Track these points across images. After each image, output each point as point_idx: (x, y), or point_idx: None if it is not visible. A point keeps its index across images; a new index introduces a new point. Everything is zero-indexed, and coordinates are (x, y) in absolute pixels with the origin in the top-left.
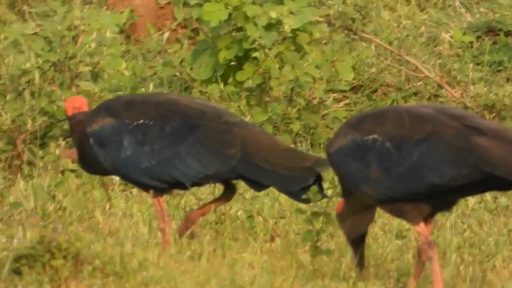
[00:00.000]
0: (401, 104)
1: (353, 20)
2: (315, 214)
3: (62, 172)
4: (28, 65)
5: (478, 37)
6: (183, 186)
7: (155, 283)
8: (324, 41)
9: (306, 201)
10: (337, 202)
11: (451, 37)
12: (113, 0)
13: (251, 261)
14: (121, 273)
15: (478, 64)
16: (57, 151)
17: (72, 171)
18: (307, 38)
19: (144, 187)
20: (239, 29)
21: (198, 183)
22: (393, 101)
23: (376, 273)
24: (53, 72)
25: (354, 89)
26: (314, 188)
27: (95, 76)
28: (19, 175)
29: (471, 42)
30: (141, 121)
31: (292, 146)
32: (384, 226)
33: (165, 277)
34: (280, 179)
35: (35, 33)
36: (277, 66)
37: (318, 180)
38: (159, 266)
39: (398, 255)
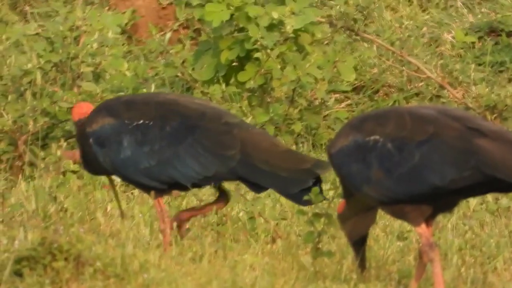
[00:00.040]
0: (403, 105)
1: (355, 20)
2: (317, 216)
3: (64, 173)
4: (30, 65)
5: (480, 38)
6: (183, 187)
7: (156, 285)
8: (326, 42)
9: (305, 203)
10: (339, 203)
11: (453, 37)
12: (115, 0)
13: (253, 262)
14: (122, 275)
15: (480, 65)
16: (59, 152)
17: (74, 172)
18: (309, 39)
19: (144, 187)
20: (241, 30)
21: (198, 184)
22: (395, 101)
23: (377, 275)
24: (55, 73)
25: (356, 89)
26: (316, 189)
27: (97, 77)
28: (20, 176)
29: (473, 43)
30: (141, 121)
31: (294, 147)
32: (385, 227)
33: (166, 279)
34: (279, 181)
35: (37, 34)
36: (279, 66)
37: (317, 182)
38: (160, 268)
39: (399, 256)
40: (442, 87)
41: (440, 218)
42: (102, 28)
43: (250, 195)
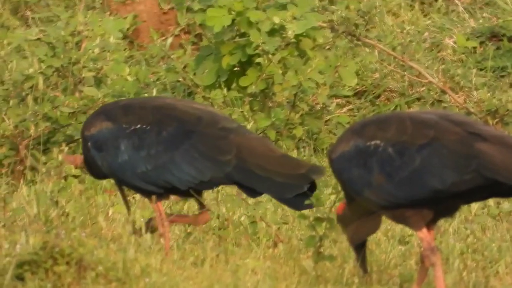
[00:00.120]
0: (404, 110)
1: (357, 25)
2: (318, 220)
3: (65, 178)
4: (31, 70)
5: (481, 43)
6: (181, 192)
7: None
8: (327, 47)
9: (301, 207)
10: (338, 205)
11: (455, 42)
12: (116, 5)
13: (254, 267)
14: (124, 279)
15: (481, 70)
16: (60, 157)
17: (75, 176)
18: (311, 44)
19: (142, 191)
20: (243, 35)
21: (194, 189)
22: (396, 106)
23: (379, 279)
24: (57, 78)
25: (358, 94)
26: (317, 194)
27: (99, 82)
28: (22, 180)
29: (474, 48)
30: (138, 125)
31: (295, 151)
32: (387, 231)
33: (168, 283)
34: (275, 186)
35: (38, 39)
36: (281, 71)
37: (312, 187)
38: (162, 272)
39: (401, 261)
40: (443, 92)
41: (441, 222)
42: (103, 33)
43: (252, 199)
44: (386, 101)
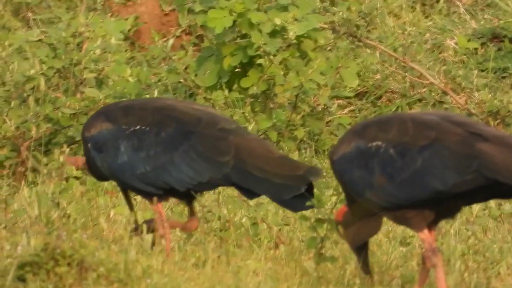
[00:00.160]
0: (406, 111)
1: (358, 26)
2: (319, 221)
3: (66, 179)
4: (32, 71)
5: (482, 44)
6: (179, 194)
7: None
8: (328, 48)
9: (297, 209)
10: (337, 210)
11: (456, 43)
12: (117, 7)
13: (256, 268)
14: (126, 280)
15: (482, 71)
16: (61, 158)
17: (77, 178)
18: (312, 45)
19: (142, 193)
20: (244, 36)
21: (193, 190)
22: (397, 107)
23: (380, 280)
24: (58, 79)
25: (359, 95)
26: (318, 195)
27: (100, 83)
28: (23, 182)
29: (475, 49)
30: (138, 127)
31: (297, 153)
32: (388, 233)
33: (169, 284)
34: (272, 187)
35: (40, 40)
36: (282, 72)
37: (310, 188)
38: (163, 273)
39: (402, 262)
40: (445, 93)
41: (443, 223)
42: (105, 34)
43: (253, 200)
44: (387, 102)
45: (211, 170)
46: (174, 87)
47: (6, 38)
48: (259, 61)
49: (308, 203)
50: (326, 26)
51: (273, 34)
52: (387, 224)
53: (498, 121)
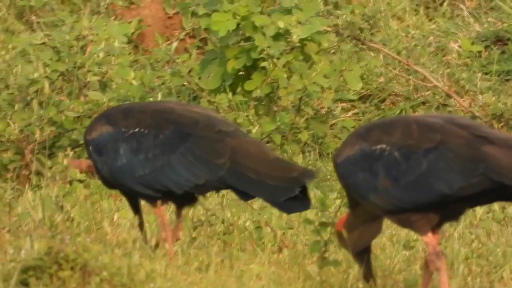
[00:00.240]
0: (410, 114)
1: (361, 30)
2: (323, 225)
3: (70, 183)
4: (36, 75)
5: (486, 47)
6: (177, 196)
7: None
8: (332, 51)
9: (293, 211)
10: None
11: (460, 46)
12: (121, 10)
13: (259, 272)
14: (129, 284)
15: (486, 74)
16: (65, 161)
17: (80, 181)
18: (315, 48)
19: (142, 196)
20: (248, 39)
21: (191, 193)
22: (401, 110)
23: (383, 284)
24: (62, 82)
25: (363, 98)
26: (322, 198)
27: (104, 86)
28: (27, 185)
29: (479, 52)
30: (137, 129)
31: (301, 156)
32: (392, 236)
33: None
34: (266, 189)
35: (43, 43)
36: (286, 75)
37: (304, 190)
38: (167, 278)
39: (405, 265)
40: (448, 96)
41: (446, 227)
42: (108, 38)
43: (257, 204)
44: (391, 105)
45: (207, 172)
46: (178, 90)
47: (9, 41)
48: (263, 64)
49: (303, 205)
50: (329, 29)
51: (277, 37)
52: (391, 228)
53: (502, 124)
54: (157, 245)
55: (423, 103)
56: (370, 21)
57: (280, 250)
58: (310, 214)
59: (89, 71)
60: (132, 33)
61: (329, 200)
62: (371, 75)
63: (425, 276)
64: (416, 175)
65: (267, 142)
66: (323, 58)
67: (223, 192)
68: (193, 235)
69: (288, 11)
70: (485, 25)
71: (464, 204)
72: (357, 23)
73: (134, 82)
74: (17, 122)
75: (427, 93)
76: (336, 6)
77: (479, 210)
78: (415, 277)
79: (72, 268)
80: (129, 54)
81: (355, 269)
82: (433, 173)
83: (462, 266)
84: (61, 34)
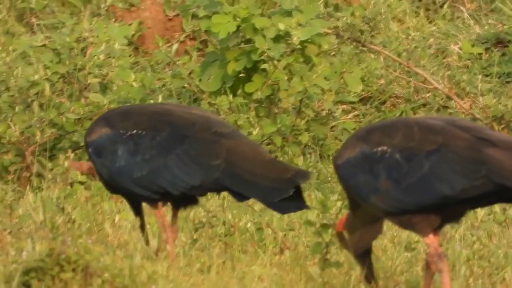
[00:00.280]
0: (410, 116)
1: (362, 32)
2: (325, 227)
3: (71, 184)
4: (37, 77)
5: (487, 49)
6: (176, 198)
7: None
8: (332, 53)
9: (287, 211)
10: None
11: (460, 48)
12: (121, 12)
13: (261, 274)
14: (131, 286)
15: (487, 76)
16: (66, 163)
17: (81, 183)
18: (316, 50)
19: (141, 198)
20: (248, 41)
21: (188, 194)
22: (402, 112)
23: (385, 286)
24: (62, 84)
25: (363, 100)
26: (323, 200)
27: (104, 88)
28: (28, 187)
29: (480, 54)
30: (134, 131)
31: (301, 158)
32: (393, 238)
33: None
34: (261, 190)
35: (44, 45)
36: (286, 77)
37: (298, 191)
38: (168, 279)
39: (407, 267)
40: (449, 98)
41: (448, 228)
42: (109, 40)
43: (258, 206)
44: (391, 107)
45: (203, 174)
46: (179, 92)
47: (10, 43)
48: (263, 66)
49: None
50: (330, 31)
51: (277, 39)
52: (392, 230)
53: (502, 126)
54: (158, 249)
55: (424, 105)
56: (371, 23)
57: (281, 251)
58: (311, 215)
59: (89, 73)
60: (133, 35)
61: (330, 202)
62: (371, 77)
63: (426, 277)
64: (418, 177)
65: (268, 144)
66: (324, 60)
67: (224, 194)
68: (195, 237)
69: (288, 13)
70: (486, 27)
71: (465, 206)
72: (358, 25)
73: (134, 84)
74: (18, 124)
75: (428, 95)
76: (337, 8)
77: (480, 212)
78: (416, 278)
79: (73, 270)
80: (130, 56)
81: (357, 271)
82: (435, 175)
83: (463, 267)
84: (61, 36)
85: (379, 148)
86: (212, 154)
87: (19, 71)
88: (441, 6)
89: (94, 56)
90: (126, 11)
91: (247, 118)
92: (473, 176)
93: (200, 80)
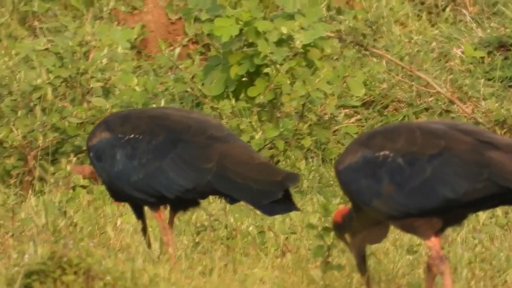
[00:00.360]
0: (413, 120)
1: (364, 35)
2: (326, 230)
3: (73, 188)
4: (39, 81)
5: (489, 53)
6: (174, 201)
7: None
8: (335, 57)
9: (275, 213)
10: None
11: (462, 52)
12: (124, 15)
13: (262, 276)
14: None
15: (489, 80)
16: (68, 167)
17: (83, 187)
18: (318, 54)
19: (140, 201)
20: (250, 45)
21: (182, 198)
22: (404, 116)
23: None
24: (65, 88)
25: (366, 104)
26: (325, 203)
27: (107, 92)
28: (30, 191)
29: (482, 58)
30: (132, 135)
31: (303, 162)
32: (395, 241)
33: None
34: (251, 192)
35: (46, 49)
36: (289, 81)
37: (287, 194)
38: (170, 282)
39: (409, 270)
40: (451, 102)
41: (449, 231)
42: (111, 43)
43: None
44: (394, 111)
45: (196, 177)
46: (181, 96)
47: (12, 47)
48: (266, 70)
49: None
50: (332, 35)
51: (280, 43)
52: (394, 233)
53: (505, 130)
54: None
55: (426, 109)
56: (373, 27)
57: (283, 254)
58: (313, 219)
59: (92, 77)
60: (135, 39)
61: (332, 205)
62: (374, 81)
63: (428, 280)
64: (420, 181)
65: (270, 148)
66: (326, 64)
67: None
68: (197, 240)
69: (291, 17)
70: (488, 31)
71: (467, 209)
72: (360, 29)
73: (137, 88)
74: (20, 128)
75: (430, 99)
76: (339, 11)
77: (482, 215)
78: (418, 281)
79: (75, 273)
80: (132, 60)
81: (359, 274)
82: (438, 179)
83: (465, 270)
84: (64, 40)
85: (381, 153)
86: (205, 158)
87: (22, 75)
88: (444, 10)
89: (97, 60)
90: (128, 15)
91: (250, 122)
92: (476, 179)
93: (202, 84)
